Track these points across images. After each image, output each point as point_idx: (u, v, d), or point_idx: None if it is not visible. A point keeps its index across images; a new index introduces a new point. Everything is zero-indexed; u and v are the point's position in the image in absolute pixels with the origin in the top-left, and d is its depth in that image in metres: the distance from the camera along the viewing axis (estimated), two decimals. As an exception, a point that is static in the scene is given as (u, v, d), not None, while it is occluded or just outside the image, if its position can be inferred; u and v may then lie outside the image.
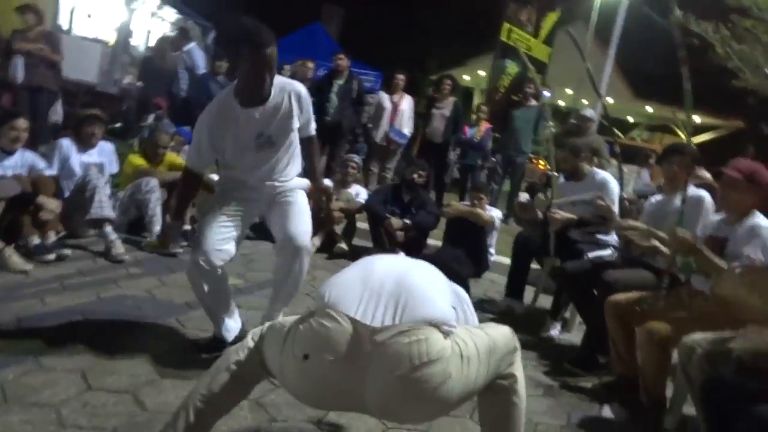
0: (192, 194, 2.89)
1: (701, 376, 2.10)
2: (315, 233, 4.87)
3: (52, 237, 3.64)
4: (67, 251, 3.68)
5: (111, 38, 10.44)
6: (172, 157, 4.75)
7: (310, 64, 6.90)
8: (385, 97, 7.03)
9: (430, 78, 16.98)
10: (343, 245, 4.95)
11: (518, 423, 1.72)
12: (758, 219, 2.66)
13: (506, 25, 10.88)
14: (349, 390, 1.50)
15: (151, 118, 6.67)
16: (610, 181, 3.83)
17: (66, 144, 4.13)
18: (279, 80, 2.53)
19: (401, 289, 1.56)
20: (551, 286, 3.98)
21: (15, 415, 1.98)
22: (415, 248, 4.99)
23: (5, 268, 3.28)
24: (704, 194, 3.13)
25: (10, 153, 3.62)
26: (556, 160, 3.97)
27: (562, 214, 3.70)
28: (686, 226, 2.77)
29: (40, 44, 5.88)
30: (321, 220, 4.85)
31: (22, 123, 3.67)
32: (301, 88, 2.65)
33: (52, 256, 3.54)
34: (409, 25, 20.00)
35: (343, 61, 6.63)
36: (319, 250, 4.80)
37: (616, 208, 3.49)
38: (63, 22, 9.90)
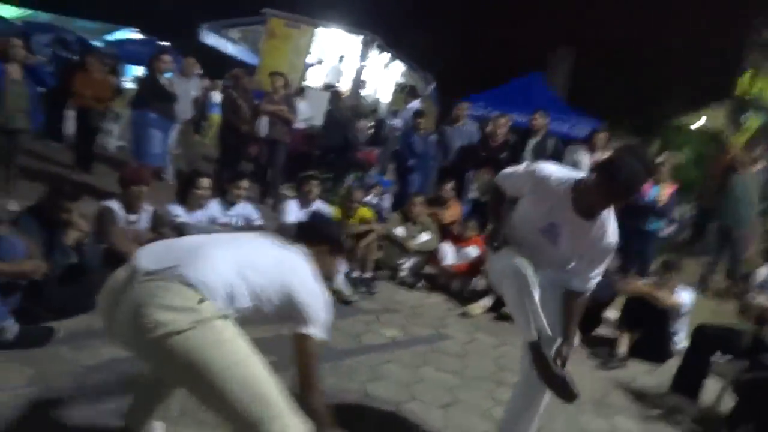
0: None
1: None
2: (486, 294, 4.99)
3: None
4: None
5: (345, 88, 11.68)
6: (363, 211, 5.29)
7: (503, 120, 6.73)
8: (583, 155, 6.49)
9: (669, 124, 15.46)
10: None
11: None
12: None
13: (747, 75, 9.77)
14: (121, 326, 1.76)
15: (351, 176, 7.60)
16: None
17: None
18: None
19: (189, 253, 1.80)
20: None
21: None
22: (588, 322, 4.77)
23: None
24: None
25: (232, 204, 4.47)
26: None
27: None
28: None
29: (282, 106, 7.01)
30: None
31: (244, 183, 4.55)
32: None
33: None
34: (637, 71, 18.84)
35: (538, 121, 6.52)
36: (490, 309, 4.87)
37: None
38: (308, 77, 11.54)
